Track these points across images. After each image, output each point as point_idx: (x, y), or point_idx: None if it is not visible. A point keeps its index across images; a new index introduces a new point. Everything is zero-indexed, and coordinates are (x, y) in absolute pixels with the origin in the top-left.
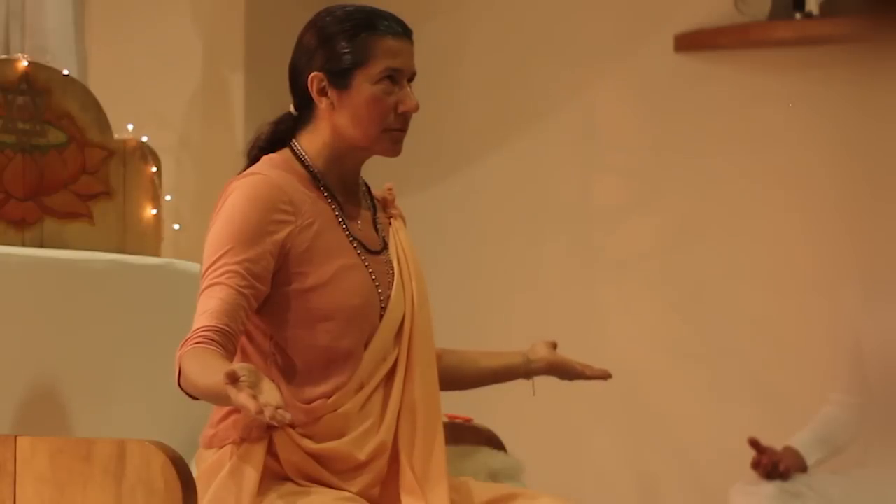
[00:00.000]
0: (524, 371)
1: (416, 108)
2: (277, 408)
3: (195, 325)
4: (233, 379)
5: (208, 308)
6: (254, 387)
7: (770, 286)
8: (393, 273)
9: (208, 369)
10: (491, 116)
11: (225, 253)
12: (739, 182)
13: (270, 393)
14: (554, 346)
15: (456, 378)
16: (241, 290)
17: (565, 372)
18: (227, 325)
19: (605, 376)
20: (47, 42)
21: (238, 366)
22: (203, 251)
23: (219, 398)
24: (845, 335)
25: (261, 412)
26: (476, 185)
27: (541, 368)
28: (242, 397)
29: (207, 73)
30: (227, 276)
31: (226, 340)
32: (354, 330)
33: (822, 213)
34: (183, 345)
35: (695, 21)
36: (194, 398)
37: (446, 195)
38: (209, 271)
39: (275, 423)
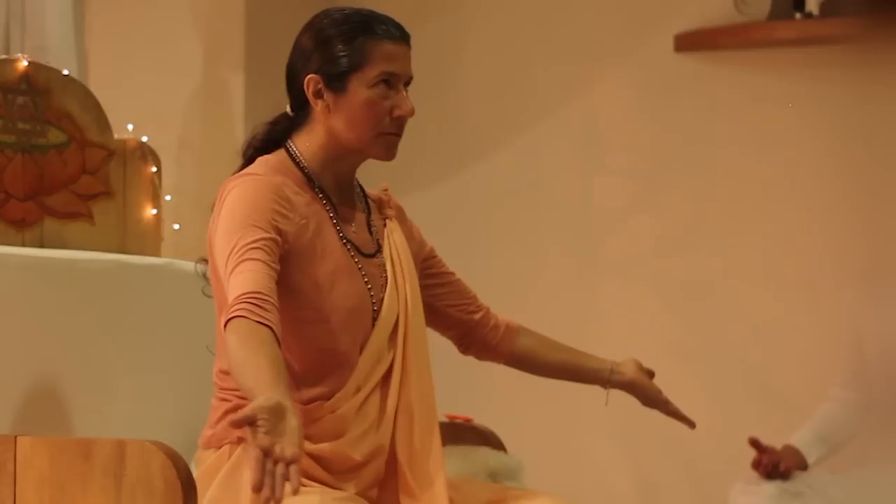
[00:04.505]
0: (604, 378)
1: (412, 113)
2: (290, 463)
3: (234, 295)
4: (249, 422)
5: (242, 281)
6: (272, 432)
7: (770, 285)
8: (386, 276)
9: (249, 365)
10: (491, 116)
11: (241, 237)
12: (740, 182)
13: (290, 438)
14: (646, 371)
15: (529, 362)
16: (268, 263)
17: (647, 397)
18: (265, 292)
19: (691, 425)
20: (47, 42)
21: (260, 404)
22: (202, 251)
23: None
24: (847, 334)
25: (259, 488)
26: (476, 185)
27: (622, 383)
28: (254, 459)
29: (207, 73)
30: (250, 252)
31: (270, 306)
32: (348, 333)
33: (822, 213)
34: (226, 314)
35: (695, 21)
36: None
37: (446, 195)
38: (231, 256)
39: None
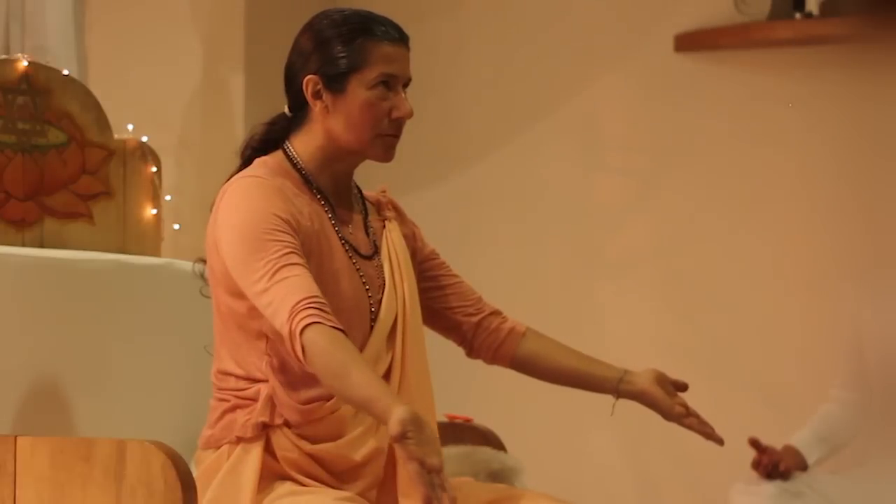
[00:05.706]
0: (613, 387)
1: (410, 115)
2: (439, 472)
3: (293, 301)
4: (401, 437)
5: (293, 287)
6: (420, 443)
7: (770, 285)
8: (383, 277)
9: (354, 375)
10: (491, 116)
11: (268, 242)
12: (739, 182)
13: (434, 447)
14: (670, 383)
15: (533, 367)
16: (306, 266)
17: (659, 409)
18: (320, 296)
19: (719, 441)
20: (47, 42)
21: (402, 418)
22: (202, 251)
23: (368, 412)
24: (847, 334)
25: (430, 502)
26: (476, 184)
27: (632, 392)
28: (417, 475)
29: (207, 74)
30: (285, 257)
31: (330, 310)
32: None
33: (822, 213)
34: (293, 321)
35: (695, 21)
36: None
37: (446, 195)
38: (262, 263)
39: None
